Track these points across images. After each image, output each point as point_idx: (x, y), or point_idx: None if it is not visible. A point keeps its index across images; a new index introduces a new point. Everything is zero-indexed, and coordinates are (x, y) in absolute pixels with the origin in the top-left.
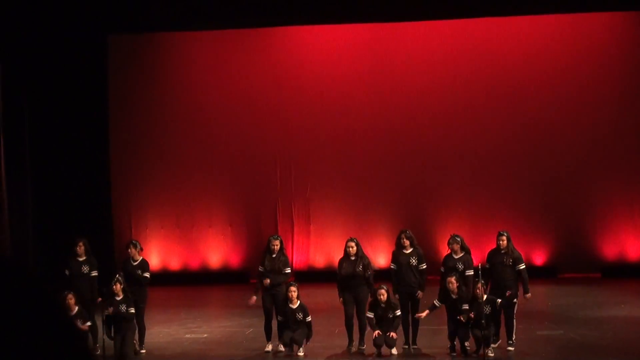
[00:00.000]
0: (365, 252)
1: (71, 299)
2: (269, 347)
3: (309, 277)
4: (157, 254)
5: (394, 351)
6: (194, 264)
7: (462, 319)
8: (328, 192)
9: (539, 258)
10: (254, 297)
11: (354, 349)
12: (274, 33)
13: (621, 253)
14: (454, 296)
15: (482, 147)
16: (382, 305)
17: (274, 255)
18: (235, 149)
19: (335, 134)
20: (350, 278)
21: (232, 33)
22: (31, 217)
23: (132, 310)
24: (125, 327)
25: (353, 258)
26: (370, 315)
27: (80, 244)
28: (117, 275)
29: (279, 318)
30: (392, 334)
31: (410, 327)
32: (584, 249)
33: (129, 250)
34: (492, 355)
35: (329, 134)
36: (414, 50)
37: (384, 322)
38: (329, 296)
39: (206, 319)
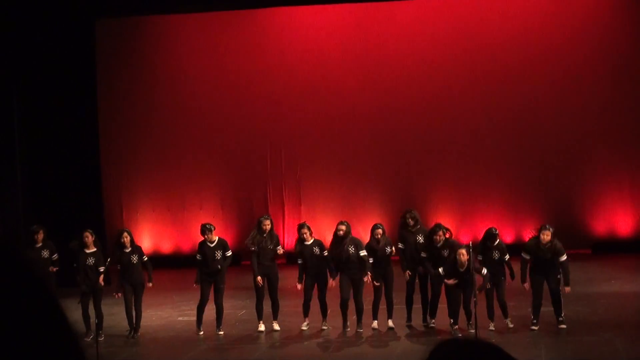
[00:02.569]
0: (356, 233)
1: (88, 237)
2: (262, 327)
3: None
4: (148, 237)
5: (390, 323)
6: (186, 246)
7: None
8: (318, 173)
9: (530, 235)
10: (259, 277)
11: (350, 331)
12: (263, 15)
13: (611, 229)
14: (461, 269)
15: (473, 126)
16: (377, 246)
17: (265, 235)
18: (225, 131)
19: (325, 114)
20: (345, 261)
21: (221, 15)
22: (21, 201)
23: (145, 258)
24: (136, 279)
25: (344, 240)
26: (371, 260)
27: (87, 234)
28: (124, 229)
29: (299, 261)
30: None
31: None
32: (574, 225)
33: (205, 234)
34: (493, 330)
35: (319, 115)
36: (404, 30)
37: (381, 264)
38: None
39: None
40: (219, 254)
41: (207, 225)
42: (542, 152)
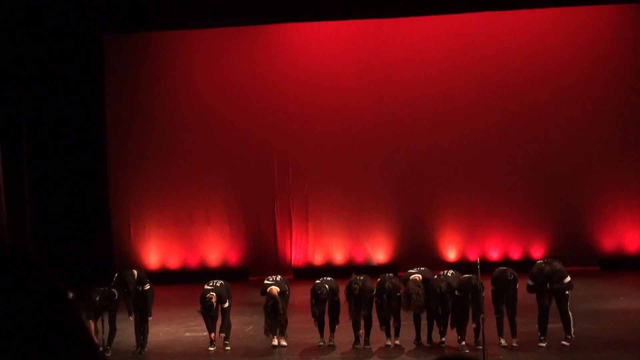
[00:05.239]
0: (363, 248)
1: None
2: (275, 342)
3: (308, 274)
4: (155, 252)
5: (397, 342)
6: (193, 262)
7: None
8: (326, 188)
9: (537, 251)
10: None
11: (359, 347)
12: (270, 31)
13: (619, 246)
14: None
15: (479, 141)
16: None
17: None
18: (232, 147)
19: (332, 130)
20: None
21: (228, 31)
22: (29, 217)
23: (147, 287)
24: (143, 305)
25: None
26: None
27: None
28: (125, 269)
29: (312, 301)
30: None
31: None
32: (582, 242)
33: None
34: (505, 346)
35: (326, 130)
36: (411, 46)
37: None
38: None
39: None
40: (218, 305)
41: (207, 296)
42: (550, 167)
